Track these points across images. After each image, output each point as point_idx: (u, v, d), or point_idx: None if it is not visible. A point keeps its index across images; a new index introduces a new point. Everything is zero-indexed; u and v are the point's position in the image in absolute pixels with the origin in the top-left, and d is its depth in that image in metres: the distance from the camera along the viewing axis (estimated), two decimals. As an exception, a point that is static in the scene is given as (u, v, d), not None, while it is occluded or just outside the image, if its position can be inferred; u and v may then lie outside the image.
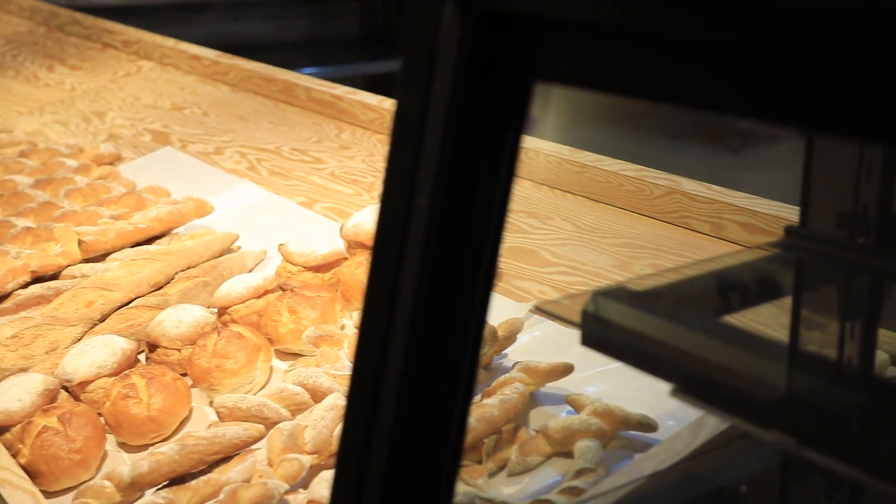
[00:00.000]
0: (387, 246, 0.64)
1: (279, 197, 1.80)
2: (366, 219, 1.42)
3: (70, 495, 1.08)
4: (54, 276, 1.52)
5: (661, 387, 1.06)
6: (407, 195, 0.62)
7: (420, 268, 0.62)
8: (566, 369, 1.08)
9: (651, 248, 1.39)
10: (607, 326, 0.71)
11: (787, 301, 0.83)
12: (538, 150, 1.62)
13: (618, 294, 0.73)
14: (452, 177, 0.61)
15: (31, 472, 1.10)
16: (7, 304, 1.46)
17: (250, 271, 1.52)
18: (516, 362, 1.11)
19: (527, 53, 0.61)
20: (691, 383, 0.69)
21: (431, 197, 0.61)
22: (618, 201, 1.51)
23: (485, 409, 1.01)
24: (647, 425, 0.99)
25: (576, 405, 1.05)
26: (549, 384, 1.10)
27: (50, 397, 1.20)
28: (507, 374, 1.08)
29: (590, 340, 0.71)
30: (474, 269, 0.64)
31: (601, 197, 1.53)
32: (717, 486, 0.92)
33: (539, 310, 1.20)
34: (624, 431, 1.01)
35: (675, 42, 0.55)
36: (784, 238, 0.86)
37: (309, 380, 1.14)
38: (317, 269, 1.40)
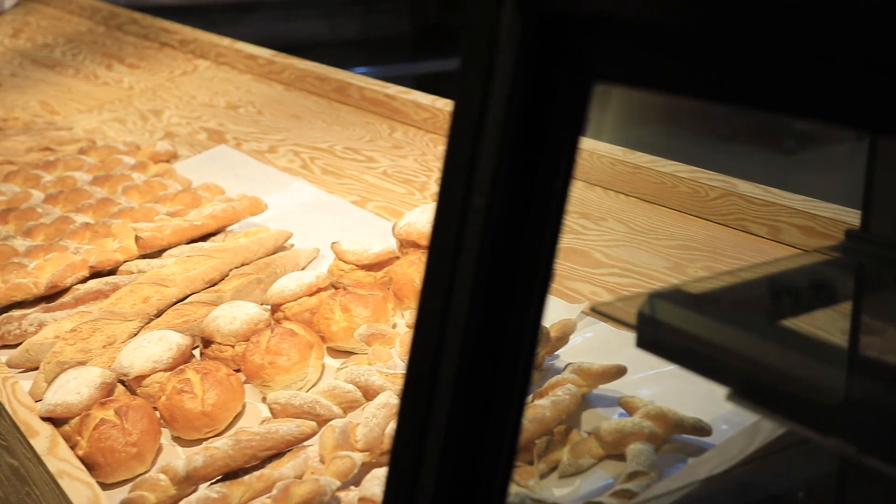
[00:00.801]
0: (443, 245, 0.64)
1: (332, 195, 1.81)
2: (418, 218, 1.42)
3: (125, 488, 1.10)
4: (112, 272, 1.55)
5: (715, 390, 1.05)
6: (463, 195, 0.62)
7: (476, 268, 0.62)
8: (619, 371, 1.07)
9: (705, 251, 1.38)
10: (664, 329, 0.70)
11: (847, 306, 0.81)
12: (591, 151, 1.62)
13: (674, 296, 0.72)
14: (509, 177, 0.61)
15: (89, 464, 1.12)
16: (66, 298, 1.48)
17: (303, 269, 1.53)
18: (568, 363, 1.10)
19: (585, 54, 0.61)
20: (749, 387, 0.69)
21: (488, 197, 0.61)
22: (672, 203, 1.50)
23: (537, 409, 1.00)
24: (701, 429, 0.98)
25: (628, 408, 1.04)
26: (601, 386, 1.09)
27: (107, 391, 1.22)
28: (559, 376, 1.08)
29: (645, 343, 0.71)
30: (530, 271, 0.63)
31: (655, 198, 1.52)
32: (773, 492, 0.91)
33: (594, 311, 1.19)
34: (677, 435, 1.00)
35: (734, 42, 0.55)
36: (845, 242, 0.85)
37: (361, 378, 1.14)
38: (369, 267, 1.40)
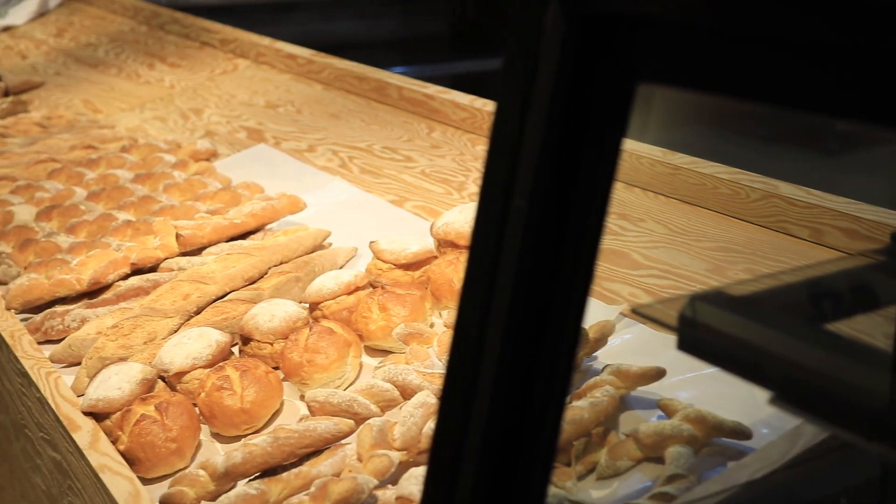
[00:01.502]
0: (483, 246, 0.64)
1: (370, 195, 1.82)
2: (456, 218, 1.42)
3: (165, 483, 1.11)
4: (153, 269, 1.56)
5: (756, 394, 1.04)
6: (505, 196, 0.62)
7: (516, 268, 0.62)
8: (658, 373, 1.06)
9: (746, 253, 1.36)
10: (705, 331, 0.70)
11: (891, 310, 0.80)
12: (631, 151, 1.61)
13: (716, 299, 0.71)
14: (551, 178, 0.61)
15: (129, 459, 1.13)
16: (108, 294, 1.50)
17: (341, 268, 1.54)
18: (606, 365, 1.10)
19: (628, 54, 0.60)
20: (791, 391, 0.68)
21: (529, 198, 0.61)
22: (712, 204, 1.48)
23: (575, 411, 1.00)
24: (741, 433, 0.97)
25: (667, 410, 1.03)
26: (639, 388, 1.08)
27: (148, 386, 1.23)
28: (598, 377, 1.07)
29: (687, 345, 0.70)
30: (571, 272, 0.63)
31: (695, 200, 1.51)
32: (814, 497, 0.90)
33: (634, 312, 1.19)
34: (716, 438, 0.99)
35: (778, 43, 0.54)
36: (890, 245, 0.84)
37: (399, 377, 1.15)
38: (407, 266, 1.41)
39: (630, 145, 1.62)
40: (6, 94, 2.79)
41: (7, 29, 3.70)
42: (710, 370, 1.09)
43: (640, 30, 0.60)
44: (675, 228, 1.47)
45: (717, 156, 1.59)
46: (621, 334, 1.21)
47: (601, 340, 1.15)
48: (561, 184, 0.61)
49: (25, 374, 1.31)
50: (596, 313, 1.22)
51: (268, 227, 1.66)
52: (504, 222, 0.62)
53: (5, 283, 1.65)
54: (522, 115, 0.60)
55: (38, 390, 1.26)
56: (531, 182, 0.61)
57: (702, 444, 0.98)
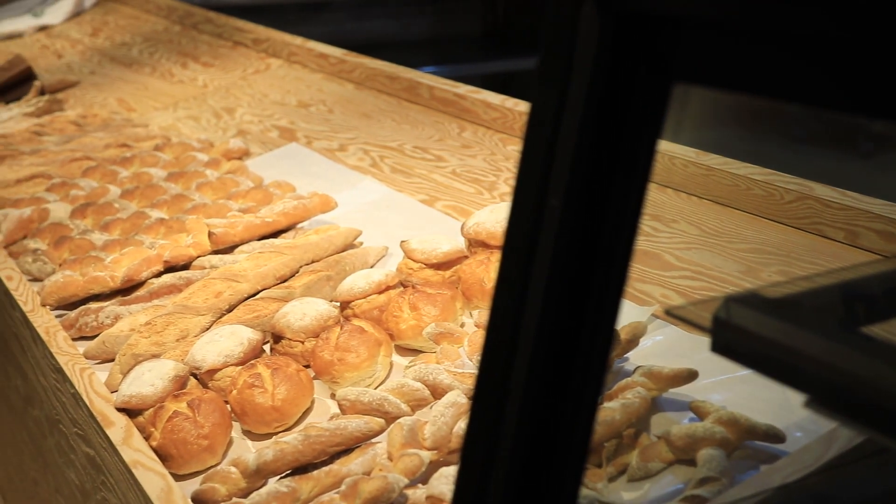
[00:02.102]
0: (517, 245, 0.64)
1: (401, 194, 1.82)
2: (487, 217, 1.42)
3: (197, 479, 1.12)
4: (185, 266, 1.58)
5: (789, 397, 1.03)
6: (539, 195, 0.62)
7: (550, 268, 0.62)
8: (690, 375, 1.06)
9: (780, 255, 1.35)
10: (740, 333, 0.69)
11: (930, 313, 0.79)
12: (664, 152, 1.60)
13: (751, 300, 0.71)
14: (586, 178, 0.60)
15: (162, 455, 1.14)
16: (141, 291, 1.52)
17: (372, 267, 1.54)
18: (638, 366, 1.09)
19: (664, 54, 0.60)
20: (826, 394, 0.67)
21: (563, 198, 0.61)
22: (746, 206, 1.47)
23: (606, 412, 1.00)
24: (774, 436, 0.96)
25: (700, 412, 1.02)
26: (671, 390, 1.08)
27: (180, 383, 1.24)
28: (629, 378, 1.07)
29: (720, 347, 0.70)
30: (605, 273, 0.63)
31: (728, 201, 1.50)
32: (849, 502, 0.89)
33: (668, 314, 1.18)
34: (749, 441, 0.98)
35: (817, 42, 0.54)
36: (928, 247, 0.83)
37: (429, 376, 1.15)
38: (438, 266, 1.41)
39: (663, 146, 1.61)
40: (42, 92, 2.83)
41: (43, 28, 3.74)
42: (743, 372, 1.08)
43: (675, 29, 0.59)
44: (708, 230, 1.46)
45: (751, 157, 1.57)
46: (653, 336, 1.20)
47: (633, 342, 1.14)
48: (596, 184, 0.61)
49: (60, 370, 1.32)
50: (628, 314, 1.21)
51: (299, 225, 1.67)
52: (538, 222, 0.62)
53: (40, 280, 1.67)
54: (557, 115, 0.60)
55: (72, 386, 1.27)
56: (565, 182, 0.60)
57: (734, 447, 0.97)
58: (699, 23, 0.59)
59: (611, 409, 1.00)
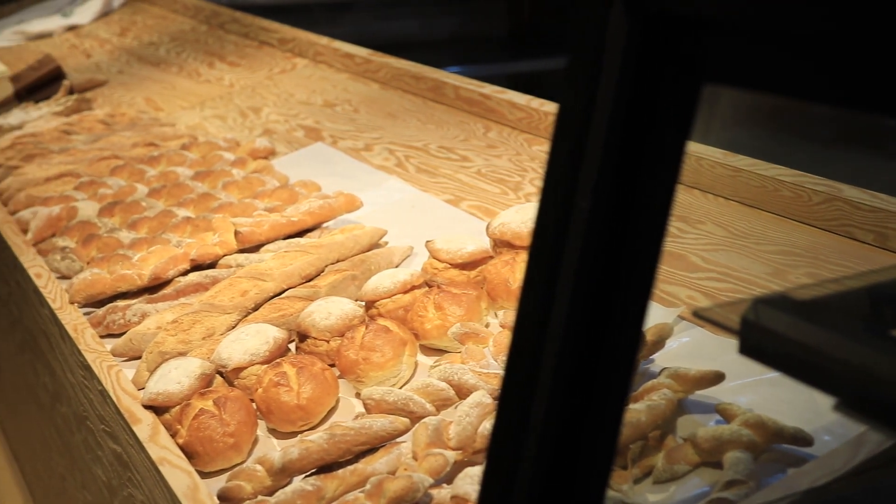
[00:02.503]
0: (544, 246, 0.64)
1: (426, 194, 1.82)
2: (512, 218, 1.42)
3: (223, 477, 1.13)
4: (212, 265, 1.58)
5: (818, 400, 1.02)
6: (567, 196, 0.62)
7: (577, 269, 0.62)
8: (717, 377, 1.05)
9: (808, 257, 1.34)
10: (769, 336, 0.69)
11: (962, 317, 0.78)
12: (691, 153, 1.59)
13: (780, 302, 0.70)
14: (614, 179, 0.60)
15: (188, 453, 1.15)
16: (168, 290, 1.52)
17: (397, 266, 1.54)
18: (664, 368, 1.09)
19: (693, 55, 0.60)
20: (856, 398, 0.67)
21: (592, 198, 0.61)
22: (773, 207, 1.46)
23: (632, 414, 0.99)
24: (802, 439, 0.96)
25: (726, 415, 1.02)
26: (697, 392, 1.07)
27: (206, 381, 1.25)
28: (655, 380, 1.06)
29: (749, 349, 0.69)
30: (633, 274, 0.63)
31: (756, 202, 1.49)
32: (878, 507, 0.88)
33: (696, 315, 1.17)
34: (777, 444, 0.97)
35: (847, 42, 0.53)
36: (960, 250, 0.82)
37: (454, 376, 1.15)
38: (463, 266, 1.41)
39: (690, 146, 1.60)
40: (71, 91, 2.85)
41: (72, 28, 3.77)
42: (770, 375, 1.07)
43: (704, 29, 0.59)
44: (735, 231, 1.45)
45: (779, 158, 1.56)
46: (679, 337, 1.20)
47: (659, 343, 1.13)
48: (624, 185, 0.61)
49: (88, 367, 1.33)
50: (654, 316, 1.21)
51: (324, 225, 1.68)
52: (566, 223, 0.62)
53: (69, 278, 1.68)
54: (586, 116, 0.59)
55: (99, 383, 1.28)
56: (594, 183, 0.60)
57: (761, 450, 0.97)
58: (728, 23, 0.59)
59: (637, 411, 1.00)
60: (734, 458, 0.94)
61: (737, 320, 0.70)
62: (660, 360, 1.15)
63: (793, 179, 1.45)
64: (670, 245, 1.43)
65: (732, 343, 1.06)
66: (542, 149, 1.90)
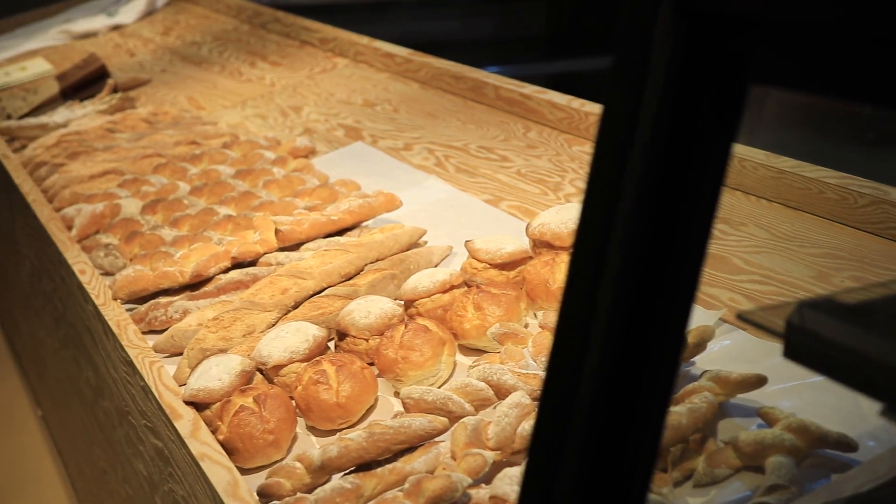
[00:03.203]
0: (587, 247, 0.63)
1: (465, 194, 1.82)
2: (552, 218, 1.42)
3: (262, 473, 1.13)
4: (252, 263, 1.60)
5: (863, 405, 1.01)
6: (611, 197, 0.61)
7: (621, 271, 0.62)
8: (759, 381, 1.04)
9: (853, 260, 1.32)
10: (814, 339, 0.68)
11: None
12: (733, 154, 1.57)
13: (826, 306, 0.70)
14: (659, 181, 0.60)
15: (228, 449, 1.16)
16: (209, 287, 1.54)
17: (436, 266, 1.54)
18: (705, 371, 1.08)
19: (741, 55, 0.59)
20: (904, 404, 0.66)
21: (636, 200, 0.60)
22: (818, 209, 1.44)
23: (672, 416, 0.99)
24: (846, 444, 0.94)
25: (768, 419, 1.01)
26: (739, 395, 1.06)
27: (247, 378, 1.26)
28: (696, 383, 1.06)
29: (794, 352, 0.68)
30: (677, 276, 0.62)
31: (799, 204, 1.47)
32: (925, 515, 0.87)
33: (740, 318, 1.16)
34: (820, 450, 0.96)
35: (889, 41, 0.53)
36: None
37: (493, 376, 1.15)
38: (502, 266, 1.41)
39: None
40: (115, 90, 2.88)
41: (117, 28, 3.82)
42: (814, 379, 1.06)
43: (752, 29, 0.59)
44: (778, 233, 1.43)
45: (824, 159, 1.54)
46: (721, 340, 1.19)
47: (700, 346, 1.13)
48: (669, 187, 0.60)
49: (130, 363, 1.35)
50: (696, 318, 1.20)
51: (364, 224, 1.68)
52: (609, 224, 0.62)
53: (112, 274, 1.70)
54: (631, 116, 0.59)
55: (141, 379, 1.30)
56: (638, 184, 0.60)
57: (804, 455, 0.96)
58: (777, 22, 0.58)
59: (677, 414, 0.99)
60: (776, 462, 0.93)
61: (781, 324, 0.69)
62: (701, 362, 1.14)
63: (838, 181, 1.43)
64: (712, 247, 1.42)
65: (774, 346, 1.05)
66: (582, 149, 1.89)
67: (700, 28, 0.57)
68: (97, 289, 1.57)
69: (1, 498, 2.70)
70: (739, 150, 1.58)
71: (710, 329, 1.13)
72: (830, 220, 1.43)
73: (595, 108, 1.92)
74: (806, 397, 1.06)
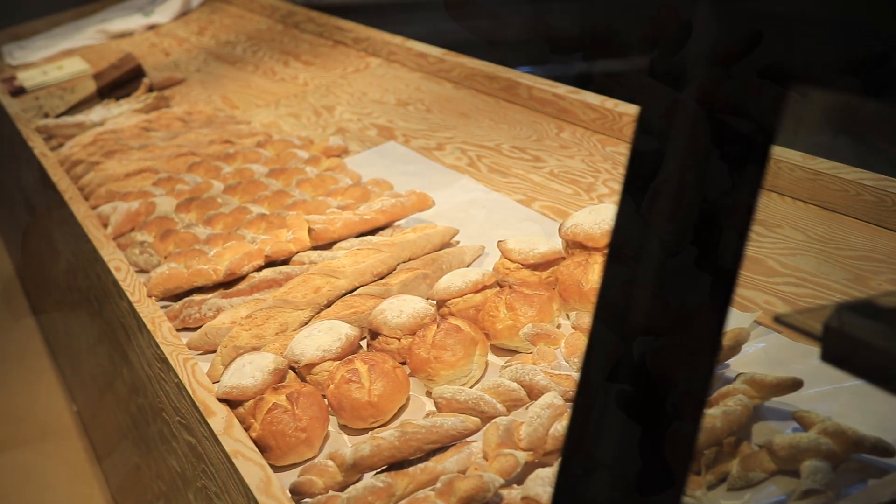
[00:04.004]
0: (622, 249, 0.63)
1: (498, 194, 1.82)
2: (585, 219, 1.41)
3: (294, 472, 1.14)
4: (285, 262, 1.60)
5: (901, 410, 0.99)
6: (647, 198, 0.61)
7: (657, 272, 0.61)
8: (794, 384, 1.03)
9: (891, 263, 1.31)
10: (852, 343, 0.67)
11: None
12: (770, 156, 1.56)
13: (864, 309, 0.69)
14: (696, 181, 0.59)
15: (261, 447, 1.16)
16: (242, 285, 1.55)
17: (468, 266, 1.54)
18: (739, 373, 1.07)
19: (780, 54, 0.59)
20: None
21: (673, 201, 0.60)
22: (855, 212, 1.43)
23: (707, 419, 0.98)
24: (884, 449, 0.93)
25: (804, 423, 1.00)
26: (774, 399, 1.05)
27: (279, 376, 1.26)
28: (731, 385, 1.05)
29: (831, 356, 0.68)
30: (713, 278, 0.62)
31: (836, 206, 1.46)
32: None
33: (777, 321, 1.15)
34: (856, 454, 0.95)
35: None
36: None
37: (525, 377, 1.14)
38: (535, 267, 1.40)
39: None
40: (151, 89, 2.91)
41: (152, 27, 3.85)
42: (851, 383, 1.05)
43: (791, 28, 0.58)
44: (813, 235, 1.42)
45: (861, 161, 1.52)
46: (755, 342, 1.18)
47: (735, 348, 1.12)
48: (706, 188, 0.60)
49: (164, 360, 1.36)
50: (730, 320, 1.19)
51: (396, 223, 1.68)
52: (645, 225, 0.61)
53: (147, 272, 1.72)
54: (668, 117, 0.59)
55: (175, 375, 1.31)
56: (675, 185, 0.60)
57: (840, 460, 0.94)
58: (812, 22, 0.58)
59: (711, 416, 0.98)
60: (812, 466, 0.92)
61: (818, 327, 0.68)
62: (735, 365, 1.14)
63: (875, 183, 1.42)
64: (747, 249, 1.40)
65: (810, 349, 1.04)
66: (615, 150, 1.88)
67: (737, 27, 0.57)
68: (132, 286, 1.59)
69: (35, 491, 2.74)
70: (775, 151, 1.57)
71: (745, 331, 1.12)
72: (868, 222, 1.41)
73: (629, 109, 1.91)
74: (842, 401, 1.05)
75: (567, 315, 1.35)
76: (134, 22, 3.87)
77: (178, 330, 1.48)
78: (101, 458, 2.67)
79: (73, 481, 2.74)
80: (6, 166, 3.24)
